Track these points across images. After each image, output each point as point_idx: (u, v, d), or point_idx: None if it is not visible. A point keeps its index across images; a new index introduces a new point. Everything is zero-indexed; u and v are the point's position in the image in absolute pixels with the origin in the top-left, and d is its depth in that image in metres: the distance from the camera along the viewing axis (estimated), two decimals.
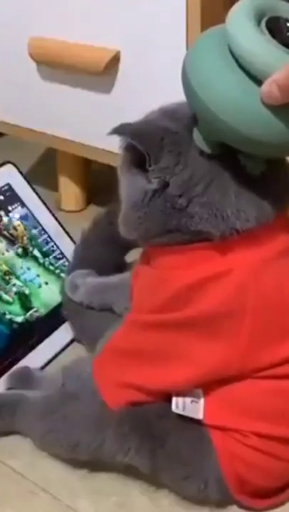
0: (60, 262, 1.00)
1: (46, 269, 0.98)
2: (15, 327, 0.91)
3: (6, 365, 0.87)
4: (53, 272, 0.98)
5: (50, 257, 0.99)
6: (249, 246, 0.65)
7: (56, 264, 0.99)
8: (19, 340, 0.91)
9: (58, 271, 0.99)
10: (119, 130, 0.67)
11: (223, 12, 0.91)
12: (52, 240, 1.01)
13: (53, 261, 0.99)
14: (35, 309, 0.94)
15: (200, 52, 0.61)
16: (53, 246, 1.00)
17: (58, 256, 1.00)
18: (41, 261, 0.98)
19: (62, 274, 0.98)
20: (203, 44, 0.61)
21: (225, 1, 0.91)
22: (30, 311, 0.93)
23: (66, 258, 1.00)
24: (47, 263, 0.99)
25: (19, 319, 0.92)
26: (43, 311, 0.94)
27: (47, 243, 1.00)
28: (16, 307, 0.93)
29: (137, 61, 0.99)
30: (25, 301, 0.94)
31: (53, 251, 1.00)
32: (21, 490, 0.75)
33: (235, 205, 0.64)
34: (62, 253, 1.00)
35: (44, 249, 0.99)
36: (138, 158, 0.66)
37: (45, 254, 0.99)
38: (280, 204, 0.66)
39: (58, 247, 1.01)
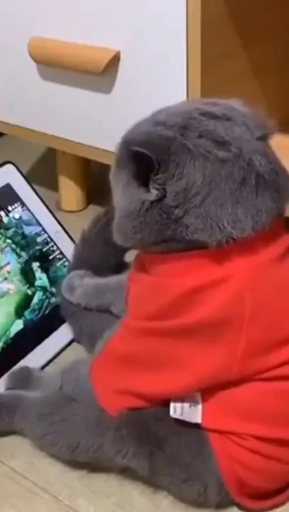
0: (60, 262, 1.00)
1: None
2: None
3: (5, 365, 0.87)
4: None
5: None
6: (245, 253, 0.65)
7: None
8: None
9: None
10: (129, 141, 0.66)
11: (224, 12, 0.92)
12: (52, 240, 1.00)
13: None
14: None
15: None
16: (52, 246, 1.00)
17: (58, 256, 1.00)
18: None
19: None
20: None
21: (225, 1, 0.91)
22: None
23: (66, 258, 1.00)
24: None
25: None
26: None
27: (47, 243, 1.00)
28: None
29: (137, 61, 0.99)
30: None
31: (53, 251, 1.00)
32: (21, 490, 0.75)
33: (231, 215, 0.64)
34: (62, 253, 1.00)
35: (44, 249, 0.99)
36: (141, 168, 0.65)
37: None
38: (276, 211, 0.66)
39: (58, 247, 1.00)
